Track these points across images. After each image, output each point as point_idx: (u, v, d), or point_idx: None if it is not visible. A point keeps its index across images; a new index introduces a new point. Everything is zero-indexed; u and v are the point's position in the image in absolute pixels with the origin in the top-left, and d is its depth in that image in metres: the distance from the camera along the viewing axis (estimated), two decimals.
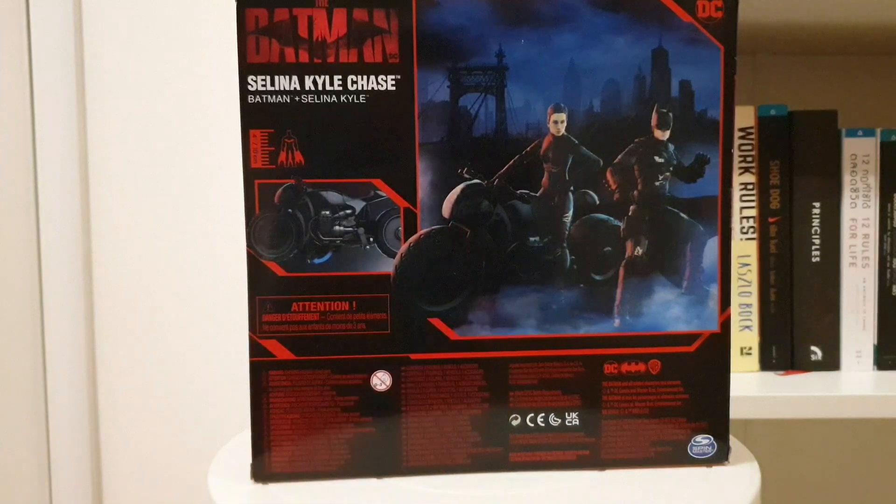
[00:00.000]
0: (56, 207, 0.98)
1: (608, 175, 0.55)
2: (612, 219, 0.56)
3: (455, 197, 0.55)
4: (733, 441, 0.62)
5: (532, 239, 0.56)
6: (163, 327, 1.02)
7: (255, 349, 0.55)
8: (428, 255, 0.55)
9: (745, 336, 0.82)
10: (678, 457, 0.58)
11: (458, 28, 0.54)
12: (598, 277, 0.56)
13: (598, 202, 0.56)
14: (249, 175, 0.54)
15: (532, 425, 0.57)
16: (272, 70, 0.53)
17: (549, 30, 0.54)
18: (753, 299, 0.81)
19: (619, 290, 0.56)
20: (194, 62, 1.00)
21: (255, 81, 0.53)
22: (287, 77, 0.53)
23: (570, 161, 0.55)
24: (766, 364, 0.82)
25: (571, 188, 0.55)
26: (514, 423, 0.57)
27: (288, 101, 0.53)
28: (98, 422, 1.03)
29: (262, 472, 0.55)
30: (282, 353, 0.55)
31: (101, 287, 1.01)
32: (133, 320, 1.02)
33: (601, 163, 0.55)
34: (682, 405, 0.57)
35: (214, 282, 1.02)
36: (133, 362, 1.02)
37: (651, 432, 0.57)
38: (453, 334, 0.56)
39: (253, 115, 0.53)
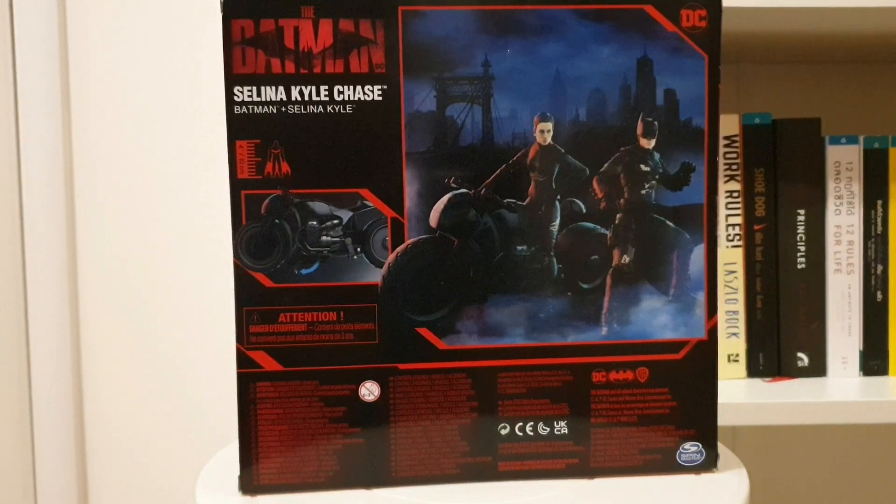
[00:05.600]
0: (41, 217, 0.97)
1: (594, 184, 0.56)
2: (598, 227, 0.56)
3: (442, 206, 0.55)
4: (721, 448, 0.62)
5: (519, 248, 0.56)
6: (150, 338, 1.01)
7: (243, 360, 0.55)
8: (415, 265, 0.55)
9: (731, 343, 0.82)
10: (667, 464, 0.58)
11: (444, 38, 0.54)
12: (585, 286, 0.56)
13: (584, 211, 0.56)
14: (236, 186, 0.54)
15: (521, 434, 0.57)
16: (258, 81, 0.53)
17: (535, 40, 0.54)
18: (740, 306, 0.82)
19: (606, 299, 0.56)
20: (182, 66, 0.99)
21: (242, 92, 0.53)
22: (273, 87, 0.53)
23: (556, 170, 0.55)
24: (753, 371, 0.82)
25: (558, 197, 0.56)
26: (503, 432, 0.56)
27: (274, 111, 0.53)
28: (84, 435, 1.02)
29: (251, 484, 0.55)
30: (269, 364, 0.55)
31: (86, 298, 1.01)
32: (119, 331, 1.01)
33: (587, 171, 0.56)
34: (670, 413, 0.57)
35: (202, 292, 1.01)
36: (120, 374, 1.01)
37: (639, 440, 0.57)
38: (441, 344, 0.56)
39: (239, 125, 0.53)
